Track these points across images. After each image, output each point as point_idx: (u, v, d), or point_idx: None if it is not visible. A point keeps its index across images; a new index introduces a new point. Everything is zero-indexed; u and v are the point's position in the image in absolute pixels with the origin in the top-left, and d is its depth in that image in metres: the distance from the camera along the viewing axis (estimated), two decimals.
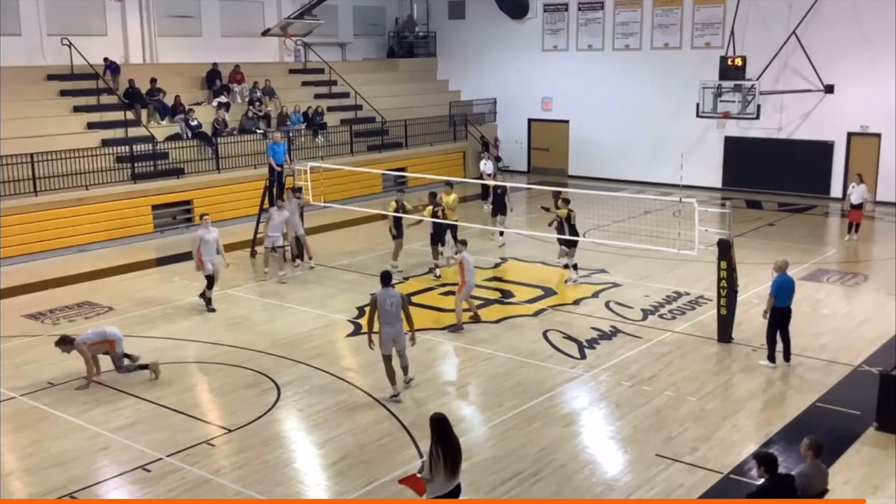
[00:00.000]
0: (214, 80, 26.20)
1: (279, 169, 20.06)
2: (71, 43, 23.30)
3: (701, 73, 25.37)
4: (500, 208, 20.76)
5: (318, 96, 28.76)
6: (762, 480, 7.67)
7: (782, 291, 12.54)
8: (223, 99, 25.60)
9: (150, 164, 22.32)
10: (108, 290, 17.29)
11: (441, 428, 7.94)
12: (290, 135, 24.64)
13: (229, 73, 26.57)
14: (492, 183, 22.07)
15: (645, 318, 15.19)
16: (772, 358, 12.73)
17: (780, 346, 12.79)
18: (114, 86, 23.88)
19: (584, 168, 30.38)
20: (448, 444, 7.89)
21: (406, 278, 17.66)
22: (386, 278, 11.79)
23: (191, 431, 10.90)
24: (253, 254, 19.74)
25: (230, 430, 10.92)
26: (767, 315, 12.67)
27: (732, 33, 25.71)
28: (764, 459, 7.68)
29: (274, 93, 27.11)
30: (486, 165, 26.76)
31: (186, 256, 20.18)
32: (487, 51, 32.40)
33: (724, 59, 24.50)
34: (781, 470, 7.96)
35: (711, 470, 9.69)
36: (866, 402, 11.03)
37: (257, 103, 25.91)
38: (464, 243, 15.00)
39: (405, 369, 12.07)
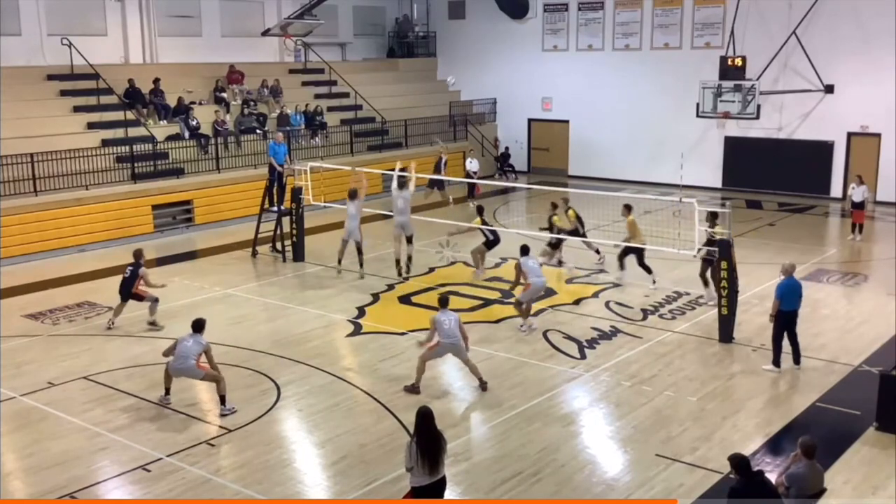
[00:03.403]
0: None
1: (280, 169, 20.08)
2: (71, 43, 23.29)
3: (701, 73, 25.41)
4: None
5: (318, 96, 28.74)
6: (735, 482, 7.68)
7: (787, 294, 12.50)
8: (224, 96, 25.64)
9: (150, 164, 22.32)
10: (108, 290, 17.23)
11: (423, 422, 8.08)
12: (289, 135, 24.63)
13: (226, 74, 26.55)
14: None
15: (645, 318, 15.20)
16: (776, 363, 12.64)
17: (787, 348, 12.71)
18: None
19: (584, 168, 30.37)
20: (427, 440, 7.99)
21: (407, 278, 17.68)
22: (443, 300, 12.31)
23: (191, 431, 10.91)
24: (254, 254, 19.76)
25: (230, 430, 10.92)
26: (773, 319, 12.61)
27: (732, 33, 25.72)
28: (734, 461, 7.68)
29: (280, 93, 27.10)
30: (472, 164, 26.67)
31: (186, 257, 20.30)
32: (487, 51, 32.39)
33: (724, 59, 24.54)
34: (778, 470, 7.94)
35: (711, 470, 9.68)
36: (866, 402, 11.04)
37: (252, 104, 25.88)
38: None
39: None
